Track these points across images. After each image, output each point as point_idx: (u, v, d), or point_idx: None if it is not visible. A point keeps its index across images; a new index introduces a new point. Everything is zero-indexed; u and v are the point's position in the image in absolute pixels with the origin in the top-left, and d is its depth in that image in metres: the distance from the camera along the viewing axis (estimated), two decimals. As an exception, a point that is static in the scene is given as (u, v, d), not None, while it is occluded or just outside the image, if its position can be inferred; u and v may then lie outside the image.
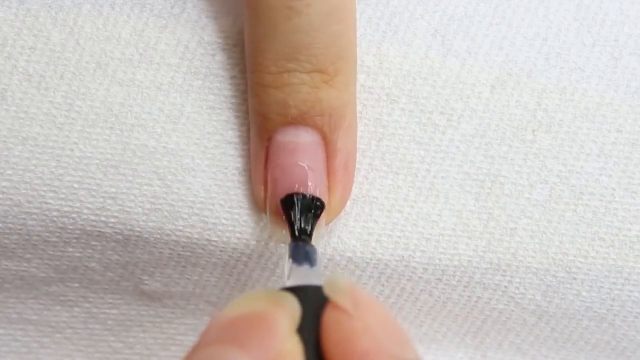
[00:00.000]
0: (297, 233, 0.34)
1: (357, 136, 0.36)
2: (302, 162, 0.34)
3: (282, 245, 0.36)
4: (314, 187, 0.35)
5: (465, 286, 0.38)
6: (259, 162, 0.35)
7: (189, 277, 0.39)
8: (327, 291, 0.30)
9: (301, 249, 0.34)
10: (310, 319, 0.29)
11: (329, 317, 0.29)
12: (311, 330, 0.29)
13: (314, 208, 0.35)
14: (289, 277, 0.32)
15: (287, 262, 0.33)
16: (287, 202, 0.34)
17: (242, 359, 0.27)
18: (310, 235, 0.34)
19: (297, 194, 0.34)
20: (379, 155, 0.37)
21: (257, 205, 0.36)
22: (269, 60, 0.34)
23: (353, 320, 0.29)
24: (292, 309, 0.29)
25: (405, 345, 0.29)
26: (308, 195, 0.34)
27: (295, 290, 0.30)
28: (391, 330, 0.29)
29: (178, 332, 0.41)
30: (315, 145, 0.35)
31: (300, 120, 0.34)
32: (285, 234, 0.35)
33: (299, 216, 0.34)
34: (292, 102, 0.34)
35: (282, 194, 0.35)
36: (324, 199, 0.35)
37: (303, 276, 0.32)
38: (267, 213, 0.35)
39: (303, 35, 0.33)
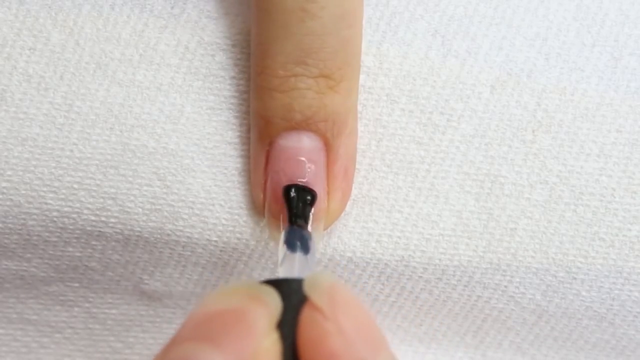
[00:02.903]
0: (293, 218, 0.34)
1: (357, 142, 0.36)
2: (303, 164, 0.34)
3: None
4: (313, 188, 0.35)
5: (465, 285, 0.38)
6: (258, 165, 0.35)
7: (189, 277, 0.39)
8: (307, 288, 0.29)
9: (296, 232, 0.33)
10: (291, 315, 0.28)
11: (306, 315, 0.28)
12: (291, 327, 0.28)
13: (307, 197, 0.34)
14: (281, 264, 0.32)
15: (280, 248, 0.33)
16: (285, 192, 0.34)
17: (215, 357, 0.26)
18: (306, 222, 0.34)
19: (294, 184, 0.34)
20: (379, 156, 0.37)
21: (257, 208, 0.36)
22: (277, 63, 0.33)
23: (327, 320, 0.28)
24: (272, 304, 0.28)
25: (379, 350, 0.28)
26: (302, 186, 0.34)
27: (278, 283, 0.29)
28: (367, 334, 0.28)
29: (178, 332, 0.41)
30: (318, 150, 0.34)
31: (304, 126, 0.34)
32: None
33: (295, 203, 0.34)
34: (297, 107, 0.33)
35: (281, 198, 0.35)
36: (323, 203, 0.35)
37: (296, 264, 0.32)
38: (266, 216, 0.35)
39: (314, 39, 0.33)
